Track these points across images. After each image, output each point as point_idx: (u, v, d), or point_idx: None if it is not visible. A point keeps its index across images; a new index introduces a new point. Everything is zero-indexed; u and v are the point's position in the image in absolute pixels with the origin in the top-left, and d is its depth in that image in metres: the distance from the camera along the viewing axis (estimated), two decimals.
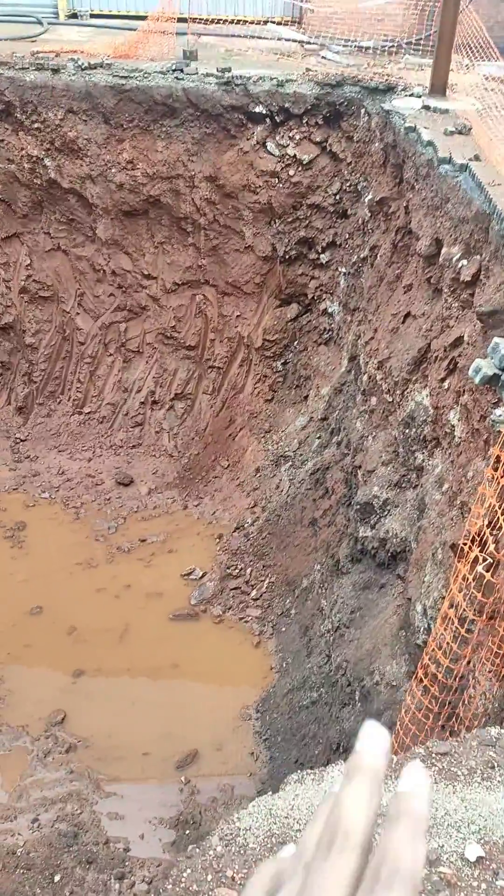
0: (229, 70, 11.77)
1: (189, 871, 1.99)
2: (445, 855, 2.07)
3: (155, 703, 9.28)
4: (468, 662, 4.81)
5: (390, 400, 9.14)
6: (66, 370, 13.29)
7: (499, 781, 2.30)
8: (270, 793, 2.17)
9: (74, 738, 8.84)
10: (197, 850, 2.05)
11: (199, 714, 9.15)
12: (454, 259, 8.05)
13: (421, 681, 4.75)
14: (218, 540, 11.47)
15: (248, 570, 10.78)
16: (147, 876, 7.84)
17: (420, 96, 11.05)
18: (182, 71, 11.87)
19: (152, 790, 8.47)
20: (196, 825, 8.24)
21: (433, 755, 2.33)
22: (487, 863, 2.08)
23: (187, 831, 8.20)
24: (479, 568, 4.12)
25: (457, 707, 4.86)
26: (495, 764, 2.34)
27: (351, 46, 13.90)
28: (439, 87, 11.15)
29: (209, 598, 10.48)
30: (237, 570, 10.81)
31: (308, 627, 9.69)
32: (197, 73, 11.84)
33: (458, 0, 10.71)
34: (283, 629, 10.03)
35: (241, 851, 2.07)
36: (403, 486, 8.45)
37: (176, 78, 11.79)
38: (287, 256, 12.29)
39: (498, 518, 4.06)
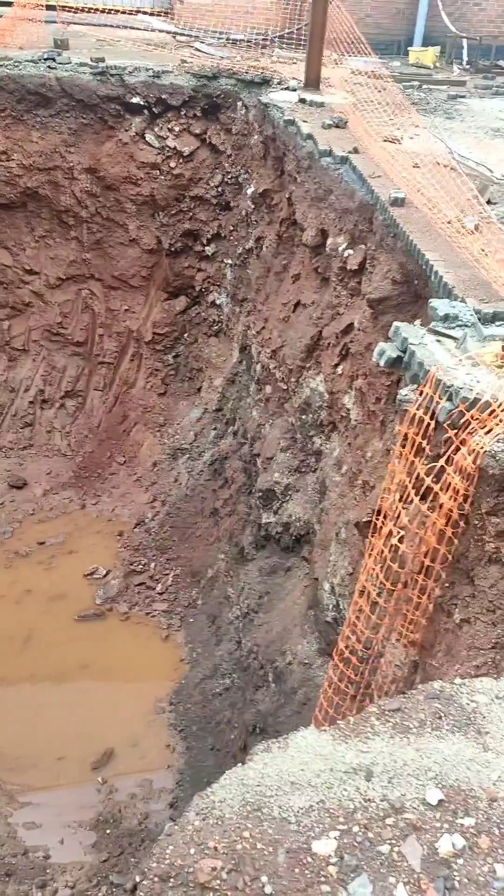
0: (103, 60, 11.58)
1: (171, 847, 2.03)
2: (408, 802, 2.22)
3: (66, 706, 9.10)
4: (382, 631, 5.08)
5: (285, 388, 9.36)
6: None
7: (447, 730, 2.48)
8: (240, 764, 2.25)
9: None
10: (175, 827, 2.10)
11: (112, 713, 9.06)
12: (340, 249, 8.34)
13: (342, 654, 4.96)
14: (119, 537, 11.34)
15: (152, 565, 10.74)
16: (70, 881, 7.74)
17: (295, 90, 11.32)
18: (54, 60, 11.56)
19: (69, 794, 8.32)
20: (116, 823, 8.20)
21: (386, 712, 2.48)
22: (447, 804, 2.25)
23: (108, 830, 8.14)
24: (394, 540, 4.36)
25: (374, 675, 5.12)
26: (442, 714, 2.53)
27: (223, 39, 14.01)
28: (313, 80, 11.48)
29: (114, 597, 10.36)
30: (141, 566, 10.75)
31: (216, 616, 9.79)
32: (70, 63, 11.57)
33: None
34: (192, 620, 10.08)
35: (219, 823, 2.13)
36: (303, 470, 8.70)
37: (48, 67, 11.46)
38: (173, 249, 12.27)
39: (408, 492, 4.31)
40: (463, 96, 12.91)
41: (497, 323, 5.16)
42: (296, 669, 7.70)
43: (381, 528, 4.60)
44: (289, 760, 2.26)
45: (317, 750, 2.28)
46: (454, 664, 4.54)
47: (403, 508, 4.34)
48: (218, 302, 12.46)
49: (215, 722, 8.77)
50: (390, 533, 4.38)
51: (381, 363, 4.72)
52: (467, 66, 15.72)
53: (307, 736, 2.32)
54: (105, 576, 10.70)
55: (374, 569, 4.55)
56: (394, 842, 2.10)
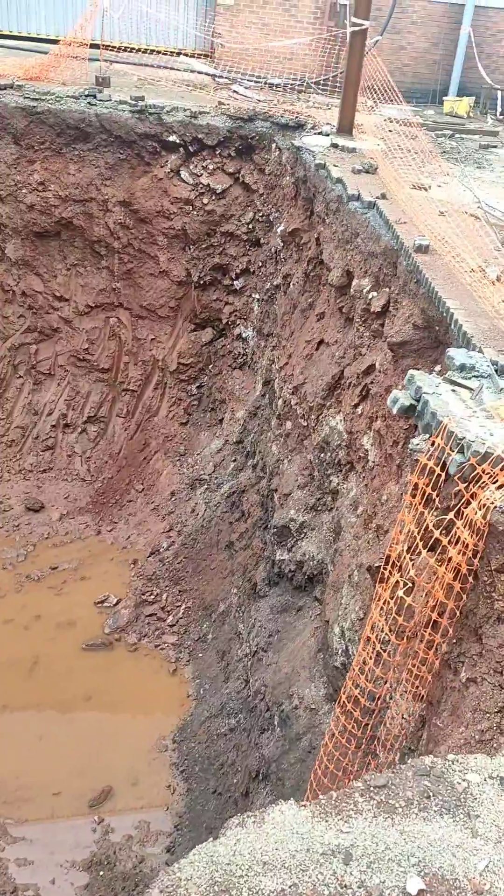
0: (143, 98, 11.84)
1: None
2: (387, 891, 2.10)
3: (67, 738, 8.97)
4: (387, 684, 4.93)
5: (305, 424, 9.31)
6: None
7: (435, 811, 2.36)
8: (211, 839, 2.15)
9: None
10: None
11: (113, 748, 8.91)
12: (364, 290, 8.34)
13: (343, 706, 4.82)
14: (133, 565, 11.29)
15: (164, 596, 10.65)
16: None
17: (328, 134, 11.47)
18: (95, 97, 11.85)
19: (64, 831, 8.14)
20: (110, 865, 7.99)
21: (371, 788, 2.37)
22: (428, 895, 2.13)
23: (101, 872, 7.93)
24: (400, 592, 4.25)
25: (377, 730, 4.96)
26: (430, 793, 2.40)
27: (261, 82, 14.25)
28: (346, 126, 11.62)
29: (124, 626, 10.27)
30: (152, 596, 10.66)
31: (225, 652, 9.65)
32: (110, 100, 11.85)
33: (363, 45, 11.23)
34: (200, 655, 9.94)
35: None
36: (319, 509, 8.60)
37: (89, 103, 11.74)
38: (201, 282, 12.39)
39: (417, 543, 4.21)
40: (495, 146, 12.95)
41: None
42: (302, 714, 7.52)
43: (388, 577, 4.49)
44: (263, 837, 2.15)
45: (294, 827, 2.17)
46: (459, 726, 4.38)
47: (411, 560, 4.24)
48: (244, 335, 12.51)
49: (219, 764, 8.58)
50: (397, 584, 4.27)
51: (395, 411, 4.66)
52: (501, 117, 15.82)
53: (285, 811, 2.21)
54: (116, 604, 10.63)
55: (379, 620, 4.43)
56: None
